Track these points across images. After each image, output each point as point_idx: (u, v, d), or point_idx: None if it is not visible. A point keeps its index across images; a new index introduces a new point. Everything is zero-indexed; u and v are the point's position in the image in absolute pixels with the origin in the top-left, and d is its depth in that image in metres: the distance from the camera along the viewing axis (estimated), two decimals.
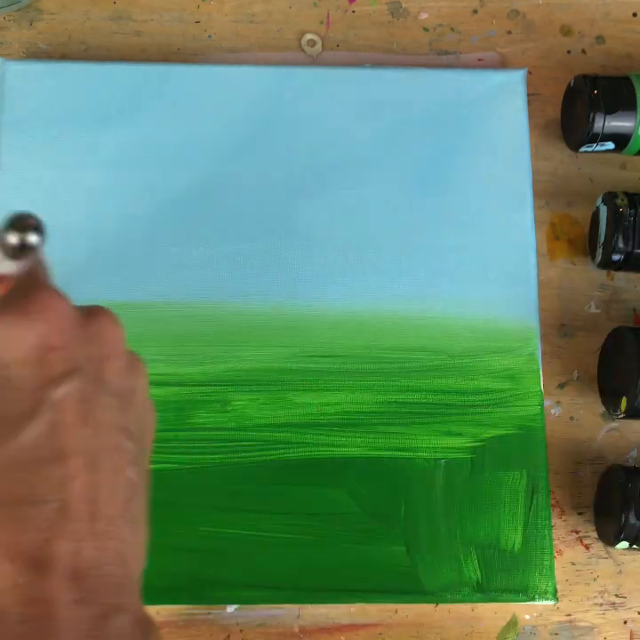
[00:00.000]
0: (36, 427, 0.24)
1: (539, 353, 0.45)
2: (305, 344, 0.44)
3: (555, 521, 0.44)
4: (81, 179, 0.45)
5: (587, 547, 0.44)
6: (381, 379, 0.44)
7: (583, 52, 0.50)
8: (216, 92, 0.47)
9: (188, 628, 0.42)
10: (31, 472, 0.24)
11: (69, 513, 0.23)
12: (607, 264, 0.44)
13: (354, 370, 0.44)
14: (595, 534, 0.44)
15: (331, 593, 0.42)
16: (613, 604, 0.43)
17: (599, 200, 0.45)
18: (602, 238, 0.45)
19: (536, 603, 0.42)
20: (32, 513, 0.23)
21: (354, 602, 0.42)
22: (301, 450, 0.43)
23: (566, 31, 0.50)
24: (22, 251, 0.27)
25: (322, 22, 0.49)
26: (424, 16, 0.49)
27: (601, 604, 0.43)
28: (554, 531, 0.43)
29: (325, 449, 0.43)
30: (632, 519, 0.41)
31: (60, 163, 0.45)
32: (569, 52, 0.50)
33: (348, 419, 0.43)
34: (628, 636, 0.43)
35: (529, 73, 0.48)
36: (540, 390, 0.44)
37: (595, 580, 0.44)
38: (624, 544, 0.41)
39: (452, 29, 0.49)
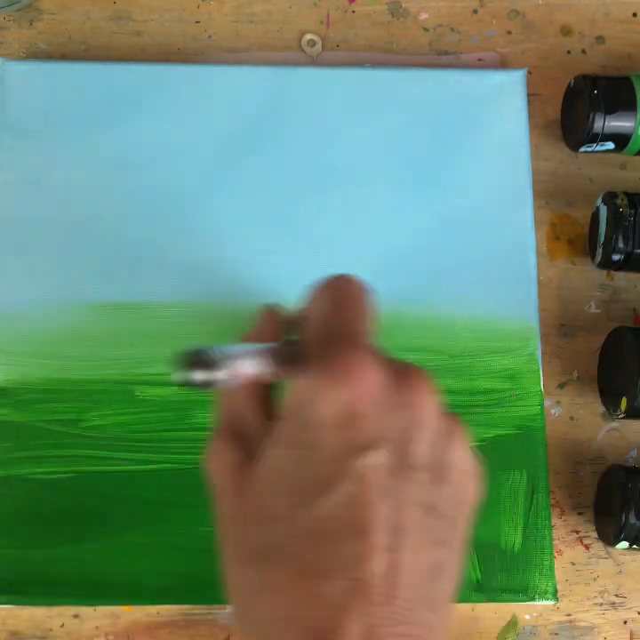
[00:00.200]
0: (335, 497, 0.23)
1: (539, 353, 0.45)
2: None
3: (555, 521, 0.44)
4: (81, 179, 0.45)
5: (587, 547, 0.44)
6: None
7: (583, 52, 0.50)
8: (216, 91, 0.47)
9: (188, 628, 0.42)
10: (327, 544, 0.23)
11: (364, 592, 0.22)
12: (607, 264, 0.44)
13: None
14: (595, 534, 0.44)
15: None
16: (613, 603, 0.44)
17: (599, 200, 0.45)
18: (602, 238, 0.45)
19: (536, 603, 0.42)
20: (324, 587, 0.22)
21: None
22: None
23: (566, 31, 0.50)
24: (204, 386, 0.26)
25: (322, 22, 0.49)
26: (424, 16, 0.49)
27: (601, 604, 0.43)
28: (554, 531, 0.43)
29: None
30: (632, 519, 0.41)
31: (60, 163, 0.45)
32: (569, 52, 0.50)
33: None
34: (628, 636, 0.43)
35: (529, 73, 0.48)
36: (540, 390, 0.44)
37: (595, 580, 0.44)
38: (624, 544, 0.41)
39: (452, 29, 0.49)
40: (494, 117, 0.47)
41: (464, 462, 0.26)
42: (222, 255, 0.45)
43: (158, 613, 0.42)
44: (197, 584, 0.42)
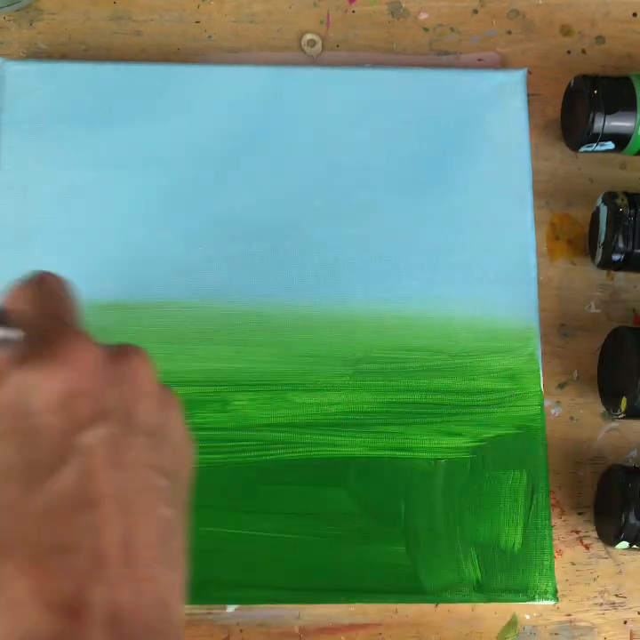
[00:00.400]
0: (66, 474, 0.23)
1: (539, 353, 0.45)
2: (305, 344, 0.44)
3: (555, 521, 0.44)
4: (81, 179, 0.45)
5: (587, 547, 0.44)
6: (381, 379, 0.44)
7: (583, 52, 0.50)
8: (216, 92, 0.47)
9: (188, 628, 0.42)
10: (63, 520, 0.23)
11: (103, 559, 0.23)
12: (607, 264, 0.44)
13: (354, 370, 0.44)
14: (595, 534, 0.44)
15: (331, 593, 0.42)
16: (613, 603, 0.44)
17: (599, 200, 0.45)
18: (602, 238, 0.45)
19: (536, 603, 0.42)
20: (65, 561, 0.23)
21: (354, 602, 0.42)
22: (301, 450, 0.43)
23: (566, 31, 0.50)
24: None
25: (322, 22, 0.49)
26: (424, 16, 0.49)
27: (601, 604, 0.43)
28: (554, 531, 0.43)
29: (325, 449, 0.43)
30: (632, 519, 0.41)
31: (60, 163, 0.45)
32: (569, 52, 0.50)
33: (347, 419, 0.43)
34: (628, 636, 0.43)
35: (529, 73, 0.48)
36: (540, 390, 0.44)
37: (595, 579, 0.44)
38: (624, 544, 0.41)
39: (452, 29, 0.49)
40: (494, 117, 0.47)
41: (181, 428, 0.27)
42: (222, 255, 0.45)
43: None
44: (197, 584, 0.41)
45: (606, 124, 0.44)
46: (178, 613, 0.25)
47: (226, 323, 0.44)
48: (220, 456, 0.43)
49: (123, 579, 0.23)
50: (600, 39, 0.50)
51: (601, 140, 0.45)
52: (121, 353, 0.27)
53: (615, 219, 0.43)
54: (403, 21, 0.49)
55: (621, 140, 0.45)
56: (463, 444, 0.43)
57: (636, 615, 0.43)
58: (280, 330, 0.44)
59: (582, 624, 0.43)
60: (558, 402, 0.46)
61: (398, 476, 0.43)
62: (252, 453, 0.43)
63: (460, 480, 0.43)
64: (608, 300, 0.47)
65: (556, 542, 0.44)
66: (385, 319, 0.45)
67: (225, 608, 0.42)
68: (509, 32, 0.50)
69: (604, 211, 0.44)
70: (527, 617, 0.43)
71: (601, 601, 0.43)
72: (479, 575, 0.42)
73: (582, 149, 0.46)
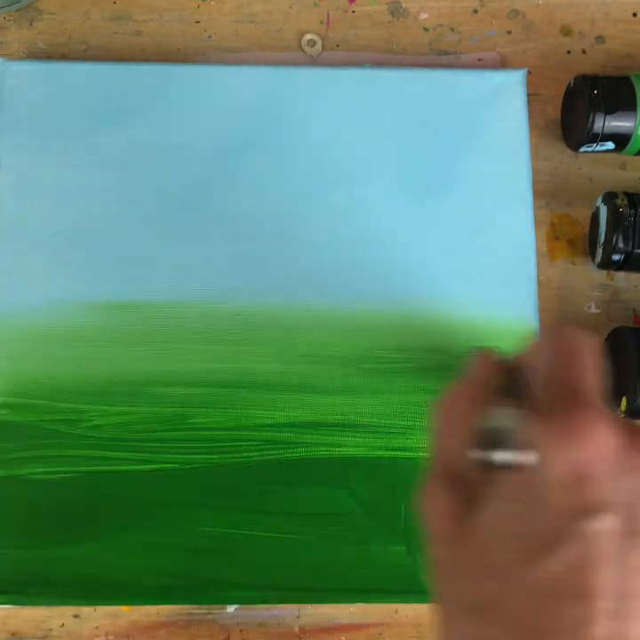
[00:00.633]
0: (561, 558, 0.23)
1: None
2: (305, 344, 0.44)
3: None
4: (81, 179, 0.45)
5: None
6: (381, 379, 0.44)
7: (583, 52, 0.50)
8: (216, 92, 0.47)
9: (188, 628, 0.42)
10: (549, 604, 0.22)
11: None
12: (607, 264, 0.44)
13: (354, 370, 0.44)
14: None
15: (331, 593, 0.42)
16: None
17: (599, 200, 0.45)
18: (602, 238, 0.45)
19: None
20: None
21: (354, 602, 0.42)
22: (301, 450, 0.43)
23: (566, 31, 0.50)
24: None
25: (322, 22, 0.49)
26: (424, 16, 0.49)
27: None
28: None
29: (325, 449, 0.43)
30: None
31: (60, 163, 0.45)
32: (569, 52, 0.50)
33: (348, 419, 0.43)
34: None
35: (529, 73, 0.48)
36: None
37: None
38: None
39: (452, 29, 0.49)
40: (494, 117, 0.47)
41: None
42: (222, 255, 0.45)
43: (158, 613, 0.42)
44: (197, 584, 0.42)
45: (606, 123, 0.44)
46: None
47: (226, 323, 0.44)
48: (219, 456, 0.43)
49: None
50: (600, 39, 0.50)
51: (601, 140, 0.45)
52: (637, 437, 0.25)
53: (615, 219, 0.43)
54: (403, 21, 0.49)
55: (621, 140, 0.45)
56: None
57: None
58: (280, 330, 0.44)
59: None
60: None
61: (398, 476, 0.43)
62: (252, 453, 0.43)
63: None
64: (608, 299, 0.47)
65: None
66: (385, 319, 0.45)
67: (225, 608, 0.43)
68: (509, 32, 0.50)
69: (603, 211, 0.44)
70: None
71: None
72: None
73: (582, 149, 0.46)
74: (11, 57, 0.48)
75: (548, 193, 0.48)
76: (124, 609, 0.42)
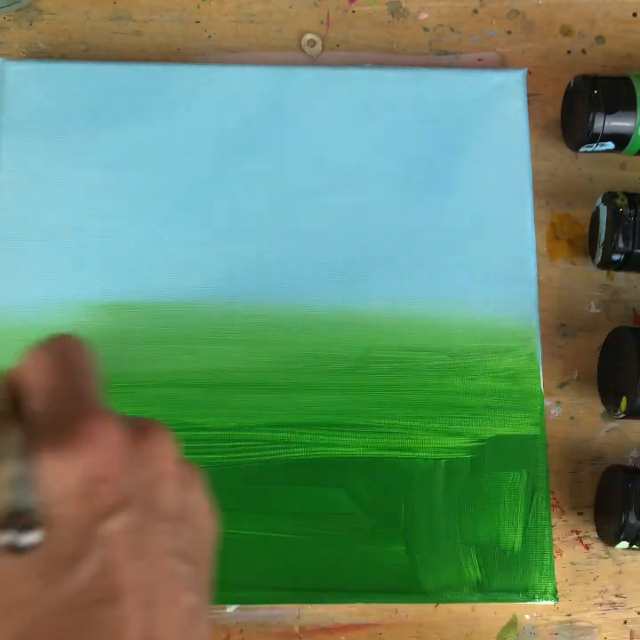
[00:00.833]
0: (86, 567, 0.22)
1: (539, 353, 0.45)
2: (305, 344, 0.44)
3: (555, 521, 0.44)
4: (81, 179, 0.45)
5: (587, 547, 0.44)
6: (381, 379, 0.44)
7: (583, 52, 0.50)
8: (216, 91, 0.47)
9: None
10: (83, 616, 0.22)
11: None
12: (607, 264, 0.44)
13: (354, 370, 0.44)
14: (595, 534, 0.44)
15: (331, 593, 0.42)
16: (613, 603, 0.44)
17: (599, 200, 0.45)
18: (602, 238, 0.45)
19: (536, 603, 0.42)
20: None
21: (354, 602, 0.42)
22: (301, 450, 0.43)
23: (566, 31, 0.50)
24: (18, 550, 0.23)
25: (322, 22, 0.49)
26: (424, 16, 0.49)
27: (601, 604, 0.43)
28: (554, 530, 0.43)
29: (325, 449, 0.43)
30: (632, 519, 0.41)
31: (60, 163, 0.45)
32: (569, 52, 0.50)
33: (348, 419, 0.43)
34: (628, 636, 0.43)
35: (529, 73, 0.48)
36: (541, 390, 0.44)
37: (595, 579, 0.44)
38: (624, 544, 0.41)
39: (452, 29, 0.49)
40: (494, 117, 0.47)
41: (203, 505, 0.27)
42: (222, 255, 0.45)
43: None
44: None
45: (606, 124, 0.44)
46: None
47: (226, 323, 0.44)
48: (219, 456, 0.43)
49: None
50: (600, 39, 0.50)
51: (601, 140, 0.45)
52: (142, 432, 0.25)
53: (615, 219, 0.43)
54: (403, 21, 0.49)
55: (621, 140, 0.45)
56: (463, 444, 0.43)
57: (636, 615, 0.43)
58: (280, 330, 0.44)
59: (582, 624, 0.43)
60: (558, 402, 0.45)
61: (398, 476, 0.43)
62: (252, 453, 0.43)
63: (460, 480, 0.43)
64: (608, 299, 0.47)
65: (555, 542, 0.44)
66: (385, 319, 0.45)
67: (225, 608, 0.42)
68: (509, 32, 0.50)
69: (603, 211, 0.44)
70: (527, 617, 0.43)
71: (601, 601, 0.43)
72: (479, 575, 0.42)
73: (582, 149, 0.46)
74: (11, 57, 0.48)
75: (548, 193, 0.48)
76: None
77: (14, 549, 0.22)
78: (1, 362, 0.45)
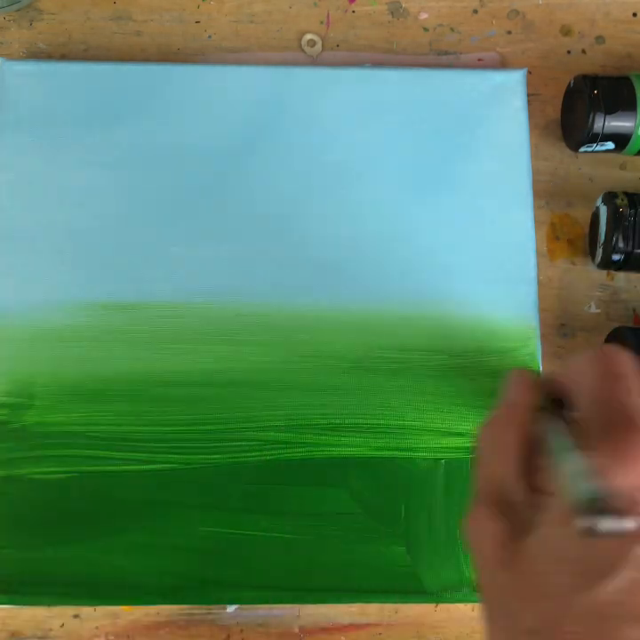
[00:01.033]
0: (619, 581, 0.23)
1: (539, 353, 0.45)
2: (305, 344, 0.44)
3: None
4: (81, 178, 0.45)
5: None
6: (381, 379, 0.44)
7: (583, 52, 0.50)
8: (216, 92, 0.47)
9: (188, 628, 0.42)
10: (607, 627, 0.23)
11: None
12: (607, 264, 0.44)
13: (354, 370, 0.44)
14: None
15: (331, 593, 0.42)
16: None
17: (599, 200, 0.45)
18: (602, 238, 0.45)
19: None
20: None
21: (354, 602, 0.42)
22: (301, 450, 0.43)
23: (566, 31, 0.50)
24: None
25: (322, 22, 0.49)
26: (424, 16, 0.49)
27: None
28: None
29: (325, 449, 0.43)
30: None
31: (60, 162, 0.45)
32: (569, 52, 0.50)
33: (348, 419, 0.43)
34: None
35: (529, 73, 0.48)
36: None
37: None
38: None
39: (452, 29, 0.49)
40: (494, 117, 0.47)
41: None
42: (222, 255, 0.45)
43: (158, 613, 0.42)
44: (197, 584, 0.42)
45: (606, 124, 0.44)
46: None
47: (226, 323, 0.44)
48: (219, 456, 0.43)
49: None
50: (600, 39, 0.50)
51: (601, 140, 0.45)
52: None
53: (615, 219, 0.43)
54: (403, 21, 0.49)
55: (621, 140, 0.45)
56: (463, 444, 0.43)
57: None
58: (280, 330, 0.44)
59: None
60: None
61: (398, 476, 0.43)
62: (252, 453, 0.43)
63: (460, 480, 0.43)
64: (608, 299, 0.47)
65: None
66: (385, 319, 0.45)
67: (225, 608, 0.43)
68: (509, 32, 0.50)
69: (603, 211, 0.44)
70: None
71: None
72: None
73: (582, 149, 0.46)
74: (11, 57, 0.48)
75: (548, 193, 0.48)
76: (124, 609, 0.42)
77: (598, 534, 0.23)
78: (1, 362, 0.46)
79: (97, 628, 0.42)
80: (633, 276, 0.47)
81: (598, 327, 0.46)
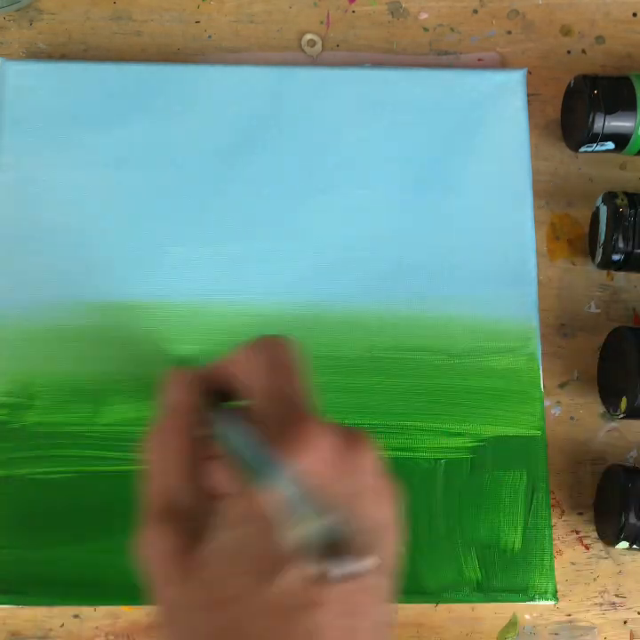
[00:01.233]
0: (289, 574, 0.23)
1: (539, 353, 0.45)
2: (305, 344, 0.44)
3: (555, 521, 0.44)
4: (81, 178, 0.45)
5: (587, 547, 0.44)
6: (381, 379, 0.44)
7: (583, 52, 0.50)
8: (216, 91, 0.47)
9: None
10: (287, 619, 0.23)
11: None
12: (607, 264, 0.44)
13: (354, 370, 0.44)
14: (595, 534, 0.44)
15: None
16: (613, 603, 0.43)
17: (599, 200, 0.45)
18: (602, 238, 0.45)
19: (536, 603, 0.42)
20: None
21: None
22: None
23: (566, 31, 0.50)
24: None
25: (322, 22, 0.49)
26: (424, 16, 0.49)
27: (601, 604, 0.43)
28: (554, 531, 0.43)
29: None
30: (632, 519, 0.41)
31: (60, 162, 0.45)
32: (569, 52, 0.50)
33: (348, 419, 0.43)
34: (628, 636, 0.43)
35: (529, 73, 0.48)
36: (541, 390, 0.44)
37: (595, 579, 0.44)
38: (624, 544, 0.41)
39: (452, 29, 0.49)
40: (494, 117, 0.47)
41: (392, 520, 0.27)
42: (222, 255, 0.45)
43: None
44: None
45: (606, 124, 0.44)
46: None
47: (227, 323, 0.44)
48: None
49: None
50: (600, 39, 0.50)
51: (601, 140, 0.45)
52: (352, 441, 0.26)
53: (615, 219, 0.43)
54: (403, 21, 0.49)
55: (621, 140, 0.45)
56: (463, 444, 0.43)
57: (636, 615, 0.43)
58: (280, 329, 0.44)
59: (582, 624, 0.43)
60: (558, 402, 0.45)
61: (398, 476, 0.43)
62: None
63: (460, 480, 0.43)
64: (608, 299, 0.47)
65: (555, 542, 0.44)
66: (385, 319, 0.45)
67: None
68: (509, 32, 0.50)
69: (603, 211, 0.44)
70: (527, 617, 0.43)
71: (601, 601, 0.43)
72: (479, 575, 0.42)
73: (582, 149, 0.46)
74: (11, 57, 0.48)
75: (548, 193, 0.48)
76: (123, 609, 0.42)
77: (332, 580, 0.23)
78: (1, 362, 0.46)
79: (97, 627, 0.42)
80: (633, 276, 0.47)
81: (598, 327, 0.46)
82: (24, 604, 0.41)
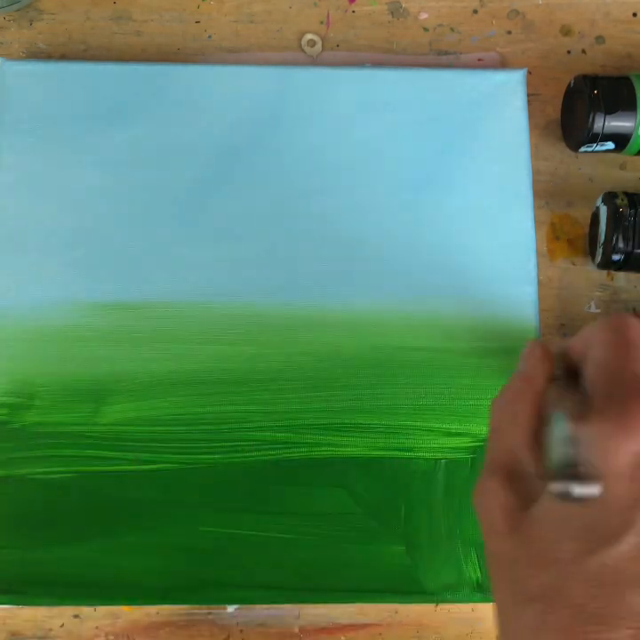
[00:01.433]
0: (623, 547, 0.23)
1: None
2: (305, 344, 0.44)
3: None
4: (81, 178, 0.45)
5: None
6: (381, 378, 0.44)
7: (583, 52, 0.50)
8: (216, 92, 0.47)
9: (188, 628, 0.42)
10: (611, 592, 0.23)
11: None
12: (607, 264, 0.44)
13: (353, 370, 0.44)
14: None
15: (331, 593, 0.42)
16: None
17: (599, 200, 0.45)
18: (602, 238, 0.45)
19: None
20: (606, 634, 0.23)
21: (354, 602, 0.42)
22: (301, 450, 0.43)
23: (566, 31, 0.50)
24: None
25: (322, 22, 0.49)
26: (424, 16, 0.49)
27: None
28: None
29: (325, 449, 0.43)
30: None
31: (60, 162, 0.45)
32: (569, 52, 0.50)
33: (348, 419, 0.43)
34: None
35: (529, 73, 0.48)
36: None
37: None
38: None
39: (452, 29, 0.49)
40: (494, 117, 0.47)
41: None
42: (222, 255, 0.45)
43: (158, 613, 0.42)
44: (197, 584, 0.42)
45: (606, 124, 0.44)
46: None
47: (226, 323, 0.44)
48: (220, 456, 0.43)
49: None
50: (600, 39, 0.50)
51: (601, 140, 0.45)
52: None
53: (615, 219, 0.43)
54: (403, 21, 0.49)
55: (621, 140, 0.45)
56: (463, 444, 0.43)
57: None
58: (281, 329, 0.44)
59: None
60: None
61: (398, 476, 0.43)
62: (252, 453, 0.43)
63: (461, 480, 0.43)
64: (608, 299, 0.47)
65: None
66: (385, 319, 0.45)
67: (225, 608, 0.43)
68: (509, 32, 0.50)
69: (603, 211, 0.44)
70: None
71: None
72: (479, 575, 0.42)
73: (582, 149, 0.46)
74: (11, 57, 0.48)
75: (548, 193, 0.48)
76: (124, 609, 0.42)
77: (570, 498, 0.24)
78: (1, 362, 0.46)
79: (97, 627, 0.42)
80: (633, 276, 0.47)
81: None
82: (24, 604, 0.41)
